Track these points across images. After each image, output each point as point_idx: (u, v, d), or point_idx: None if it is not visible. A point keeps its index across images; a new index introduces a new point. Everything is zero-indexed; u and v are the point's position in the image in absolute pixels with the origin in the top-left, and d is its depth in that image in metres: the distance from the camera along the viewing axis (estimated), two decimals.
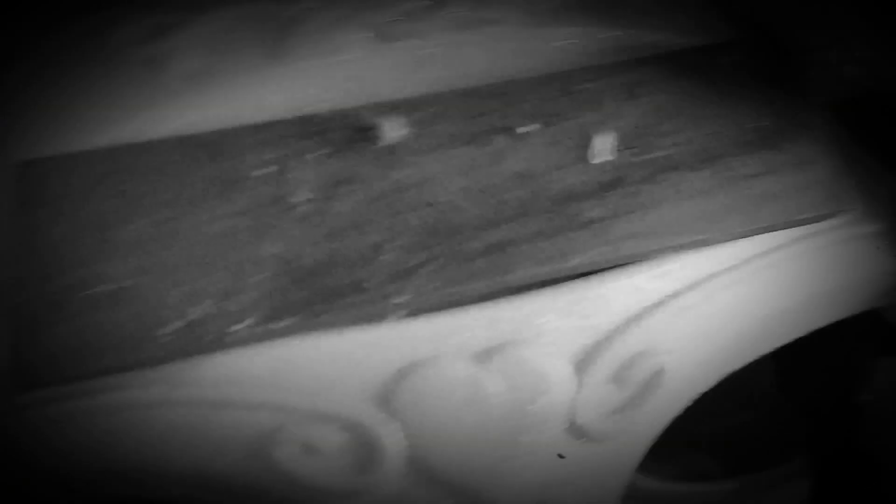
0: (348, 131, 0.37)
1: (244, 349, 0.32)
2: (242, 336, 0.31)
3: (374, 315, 0.33)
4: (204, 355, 0.31)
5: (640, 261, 0.35)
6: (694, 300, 0.35)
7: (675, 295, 0.35)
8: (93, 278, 0.32)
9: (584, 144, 0.37)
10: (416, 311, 0.33)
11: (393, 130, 0.36)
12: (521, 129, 0.37)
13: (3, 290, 0.32)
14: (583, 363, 0.33)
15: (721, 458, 0.51)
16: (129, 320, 0.31)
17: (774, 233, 0.36)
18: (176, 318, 0.31)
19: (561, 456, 0.33)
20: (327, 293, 0.33)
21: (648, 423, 0.35)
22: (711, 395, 0.38)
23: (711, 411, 0.41)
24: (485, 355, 0.33)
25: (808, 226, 0.37)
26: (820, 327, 0.39)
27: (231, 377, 0.32)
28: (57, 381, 0.30)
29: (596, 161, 0.37)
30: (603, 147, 0.37)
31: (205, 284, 0.32)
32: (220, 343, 0.31)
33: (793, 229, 0.37)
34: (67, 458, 0.31)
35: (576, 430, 0.33)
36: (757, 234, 0.36)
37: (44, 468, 0.31)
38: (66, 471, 0.31)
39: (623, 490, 0.36)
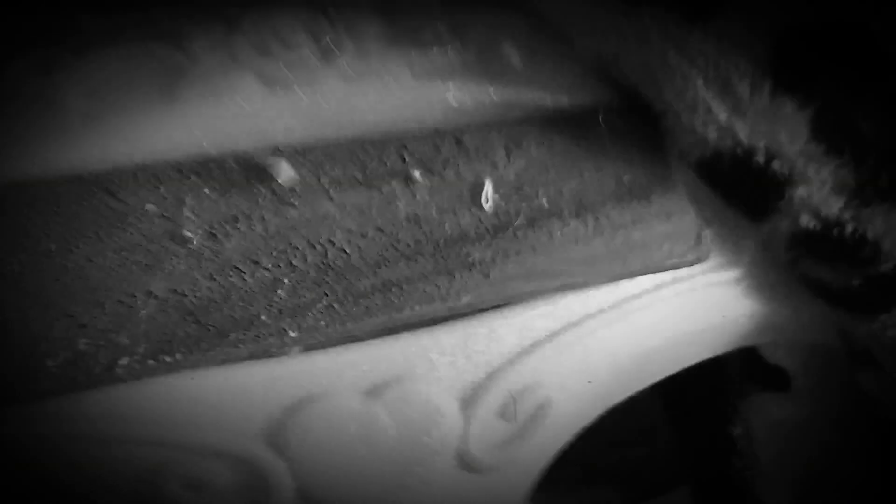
0: (243, 171, 0.39)
1: (133, 383, 0.32)
2: (132, 369, 0.32)
3: (266, 350, 0.34)
4: (92, 388, 0.31)
5: (523, 301, 0.38)
6: (573, 338, 0.39)
7: (556, 333, 0.39)
8: None
9: (471, 191, 0.41)
10: (309, 346, 0.35)
11: (286, 172, 0.39)
12: (413, 176, 0.40)
13: None
14: (470, 398, 0.36)
15: (618, 488, 0.55)
16: (14, 351, 0.31)
17: (644, 276, 0.41)
18: (64, 350, 0.32)
19: None
20: (219, 327, 0.34)
21: (536, 454, 0.38)
22: (610, 427, 0.41)
23: (610, 443, 0.45)
24: (376, 391, 0.35)
25: (675, 271, 0.41)
26: (692, 364, 0.43)
27: (119, 412, 0.32)
28: None
29: (482, 207, 0.40)
30: (489, 194, 0.40)
31: (94, 317, 0.33)
32: (110, 376, 0.32)
33: (661, 274, 0.41)
34: None
35: (465, 464, 0.36)
36: (628, 278, 0.40)
37: None
38: None
39: None
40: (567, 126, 0.44)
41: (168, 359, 0.33)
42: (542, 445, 0.38)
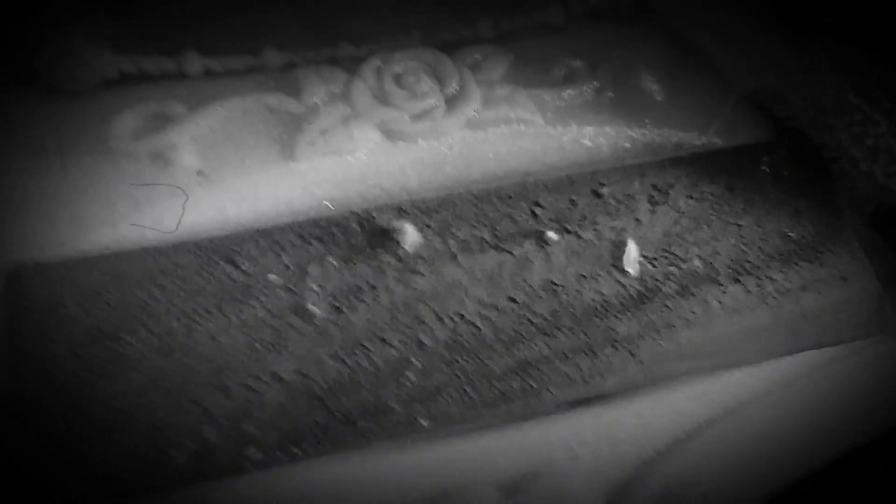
0: (365, 235, 0.39)
1: (260, 473, 0.33)
2: (259, 460, 0.33)
3: (397, 439, 0.35)
4: (218, 480, 0.33)
5: (675, 382, 0.37)
6: (732, 425, 0.38)
7: (713, 420, 0.38)
8: (99, 397, 0.34)
9: (612, 253, 0.40)
10: (441, 434, 0.35)
11: (411, 235, 0.39)
12: (547, 236, 0.40)
13: (3, 410, 0.33)
14: (619, 496, 0.35)
15: None
16: (140, 442, 0.33)
17: (813, 352, 0.39)
18: (190, 441, 0.33)
19: None
20: (347, 415, 0.35)
21: None
22: None
23: None
24: (514, 487, 0.35)
25: (851, 344, 0.39)
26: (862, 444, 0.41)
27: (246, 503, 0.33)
28: None
29: (626, 271, 0.39)
30: (632, 257, 0.40)
31: (219, 402, 0.34)
32: (237, 467, 0.33)
33: (834, 348, 0.39)
34: None
35: None
36: (794, 354, 0.38)
37: None
38: None
39: None
40: (720, 171, 0.43)
41: (296, 449, 0.34)
42: None
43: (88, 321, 0.36)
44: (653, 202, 0.42)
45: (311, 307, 0.37)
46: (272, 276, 0.38)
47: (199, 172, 0.40)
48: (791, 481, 0.40)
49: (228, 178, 0.40)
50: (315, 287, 0.38)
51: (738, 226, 0.42)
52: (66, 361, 0.35)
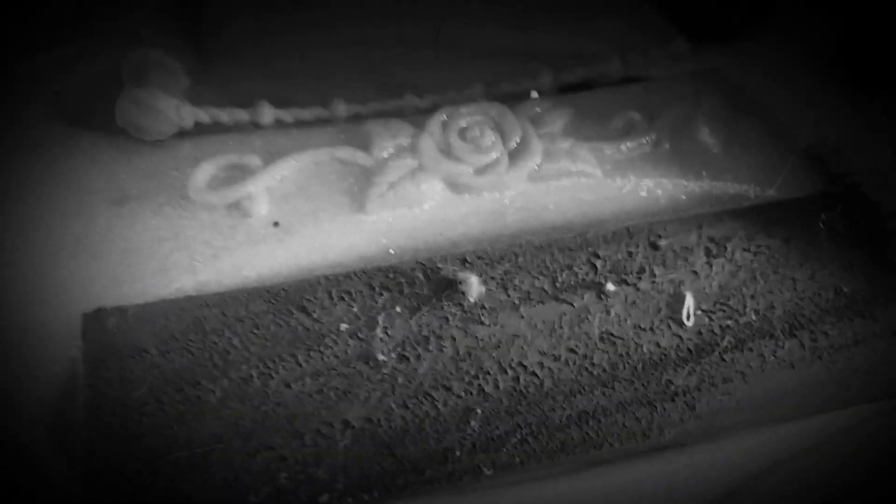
0: (431, 285, 0.41)
1: None
2: (332, 502, 0.35)
3: (461, 488, 0.36)
4: None
5: (731, 435, 0.39)
6: (780, 477, 0.39)
7: (763, 471, 0.39)
8: (178, 441, 0.36)
9: (670, 304, 0.41)
10: (502, 483, 0.37)
11: (475, 285, 0.41)
12: (607, 287, 0.41)
13: (85, 452, 0.36)
14: None
15: None
16: (219, 487, 0.35)
17: (867, 406, 0.40)
18: (265, 485, 0.35)
19: None
20: (414, 462, 0.37)
21: None
22: None
23: None
24: None
25: None
26: None
27: None
28: None
29: (683, 324, 0.41)
30: (690, 309, 0.41)
31: (294, 449, 0.36)
32: None
33: (886, 402, 0.40)
34: None
35: None
36: (849, 407, 0.39)
37: None
38: None
39: None
40: (776, 224, 0.44)
41: (366, 496, 0.36)
42: None
43: (169, 367, 0.38)
44: (710, 255, 0.43)
45: (379, 356, 0.39)
46: (343, 325, 0.40)
47: (275, 223, 0.42)
48: None
49: (302, 228, 0.43)
50: (383, 336, 0.40)
51: (794, 280, 0.43)
52: (146, 406, 0.37)
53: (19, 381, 0.39)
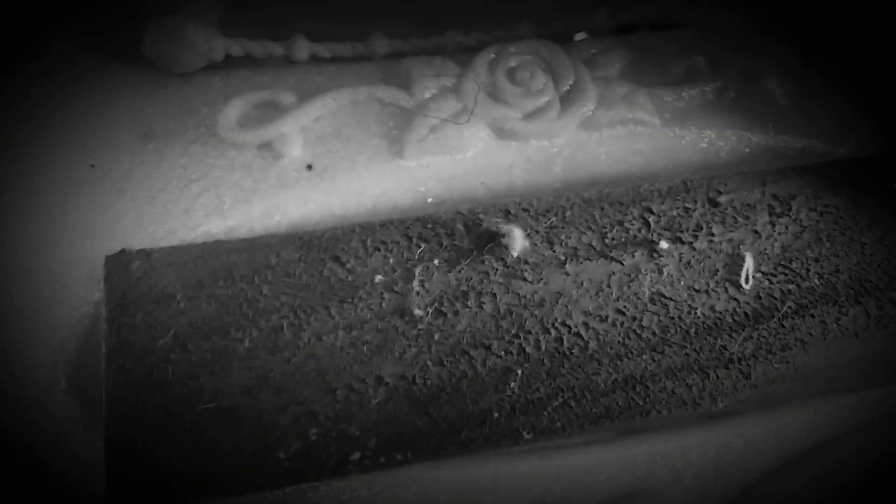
0: (472, 237, 0.39)
1: (361, 478, 0.34)
2: (363, 464, 0.34)
3: (499, 451, 0.35)
4: (323, 481, 0.34)
5: (787, 406, 0.37)
6: (840, 453, 0.37)
7: (818, 444, 0.37)
8: (205, 392, 0.35)
9: (728, 266, 0.39)
10: (544, 448, 0.35)
11: (519, 239, 0.39)
12: (660, 245, 0.39)
13: (109, 399, 0.34)
14: None
15: None
16: (247, 440, 0.34)
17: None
18: (295, 441, 0.34)
19: None
20: (450, 423, 0.35)
21: None
22: None
23: None
24: None
25: None
26: None
27: None
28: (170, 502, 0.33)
29: (742, 287, 0.38)
30: (749, 272, 0.39)
31: (325, 404, 0.35)
32: (342, 470, 0.34)
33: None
34: None
35: None
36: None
37: None
38: None
39: None
40: (846, 185, 0.41)
41: (399, 456, 0.34)
42: None
43: (196, 314, 0.37)
44: (773, 213, 0.41)
45: (416, 310, 0.37)
46: (378, 277, 0.38)
47: (308, 166, 0.40)
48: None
49: (336, 172, 0.40)
50: (420, 289, 0.38)
51: (861, 243, 0.40)
52: (171, 354, 0.36)
53: (40, 323, 0.38)
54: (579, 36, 0.46)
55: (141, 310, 0.37)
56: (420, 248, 0.39)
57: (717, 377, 0.37)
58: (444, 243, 0.39)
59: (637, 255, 0.39)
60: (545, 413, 0.36)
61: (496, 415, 0.36)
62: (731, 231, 0.40)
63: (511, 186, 0.41)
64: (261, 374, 0.36)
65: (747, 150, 0.42)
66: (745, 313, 0.38)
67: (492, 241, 0.39)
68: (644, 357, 0.37)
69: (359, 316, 0.37)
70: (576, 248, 0.39)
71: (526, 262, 0.39)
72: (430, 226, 0.39)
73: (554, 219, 0.40)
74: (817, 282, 0.39)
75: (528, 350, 0.37)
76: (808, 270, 0.39)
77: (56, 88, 0.43)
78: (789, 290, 0.39)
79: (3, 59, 0.44)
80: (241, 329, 0.37)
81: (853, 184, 0.41)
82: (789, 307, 0.38)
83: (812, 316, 0.38)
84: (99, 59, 0.45)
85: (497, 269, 0.39)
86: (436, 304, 0.38)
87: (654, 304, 0.38)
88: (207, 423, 0.35)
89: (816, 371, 0.37)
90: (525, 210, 0.40)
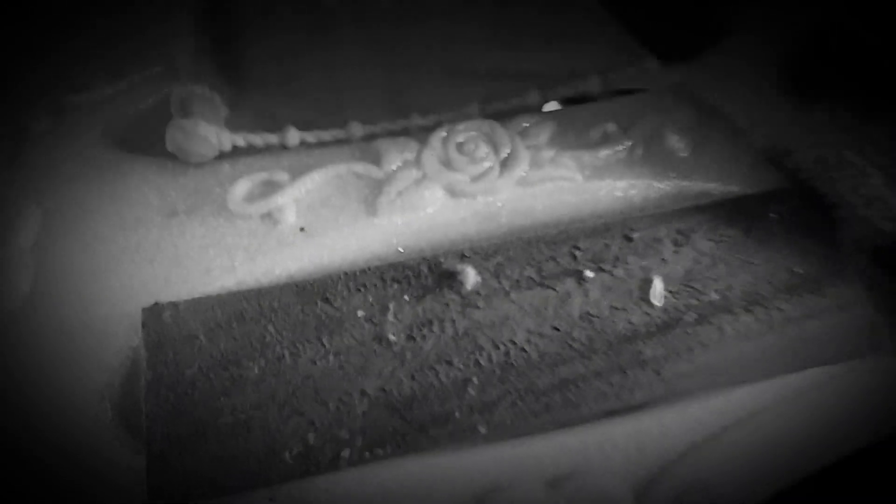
0: (434, 277, 0.48)
1: (351, 470, 0.42)
2: (351, 459, 0.42)
3: (460, 443, 0.43)
4: (319, 476, 0.42)
5: (694, 396, 0.45)
6: (743, 433, 0.45)
7: (726, 428, 0.45)
8: (224, 410, 0.43)
9: (641, 288, 0.48)
10: (496, 439, 0.43)
11: (471, 276, 0.48)
12: (586, 274, 0.48)
13: (148, 422, 0.43)
14: (644, 490, 0.43)
15: None
16: (258, 445, 0.42)
17: (815, 369, 0.46)
18: (296, 444, 0.42)
19: None
20: (420, 424, 0.43)
21: None
22: None
23: None
24: (557, 482, 0.43)
25: (848, 363, 0.46)
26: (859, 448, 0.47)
27: (341, 495, 0.42)
28: (200, 497, 0.41)
29: (652, 303, 0.47)
30: (658, 291, 0.47)
31: (320, 414, 0.43)
32: (334, 465, 0.42)
33: (834, 366, 0.46)
34: None
35: None
36: (798, 371, 0.45)
37: None
38: None
39: None
40: (736, 216, 0.50)
41: (380, 451, 0.43)
42: None
43: (215, 350, 0.45)
44: (676, 244, 0.49)
45: (391, 336, 0.46)
46: (360, 312, 0.47)
47: (301, 229, 0.50)
48: (796, 481, 0.46)
49: (324, 232, 0.50)
50: (394, 320, 0.46)
51: (752, 263, 0.49)
52: (197, 382, 0.44)
53: (89, 367, 0.46)
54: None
55: (172, 349, 0.45)
56: (393, 287, 0.48)
57: (635, 375, 0.45)
58: (412, 282, 0.48)
59: (568, 282, 0.48)
60: (497, 411, 0.44)
61: (457, 415, 0.44)
62: (643, 260, 0.49)
63: (465, 235, 0.50)
64: (268, 393, 0.44)
65: (655, 195, 0.51)
66: (656, 324, 0.47)
67: (450, 278, 0.48)
68: (575, 363, 0.46)
69: (345, 343, 0.46)
70: (518, 280, 0.48)
71: (478, 294, 0.48)
72: (400, 269, 0.48)
73: (500, 258, 0.49)
74: (715, 296, 0.48)
75: (482, 363, 0.45)
76: (707, 287, 0.48)
77: (91, 179, 0.53)
78: (692, 304, 0.47)
79: (50, 152, 0.55)
80: (252, 359, 0.45)
81: (743, 216, 0.50)
82: (692, 317, 0.47)
83: (711, 323, 0.47)
84: (126, 153, 0.55)
85: (455, 300, 0.47)
86: (407, 331, 0.46)
87: (583, 321, 0.47)
88: (226, 434, 0.43)
89: (716, 367, 0.46)
90: (476, 253, 0.49)
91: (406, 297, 0.47)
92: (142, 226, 0.51)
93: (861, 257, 0.49)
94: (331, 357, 0.45)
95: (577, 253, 0.49)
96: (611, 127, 0.53)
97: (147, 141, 0.55)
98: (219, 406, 0.44)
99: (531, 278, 0.48)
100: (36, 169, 0.54)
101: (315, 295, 0.47)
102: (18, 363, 0.47)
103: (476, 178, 0.51)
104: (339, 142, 0.54)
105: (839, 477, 0.46)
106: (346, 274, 0.48)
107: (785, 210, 0.50)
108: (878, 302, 0.48)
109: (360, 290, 0.48)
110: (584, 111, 0.54)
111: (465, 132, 0.52)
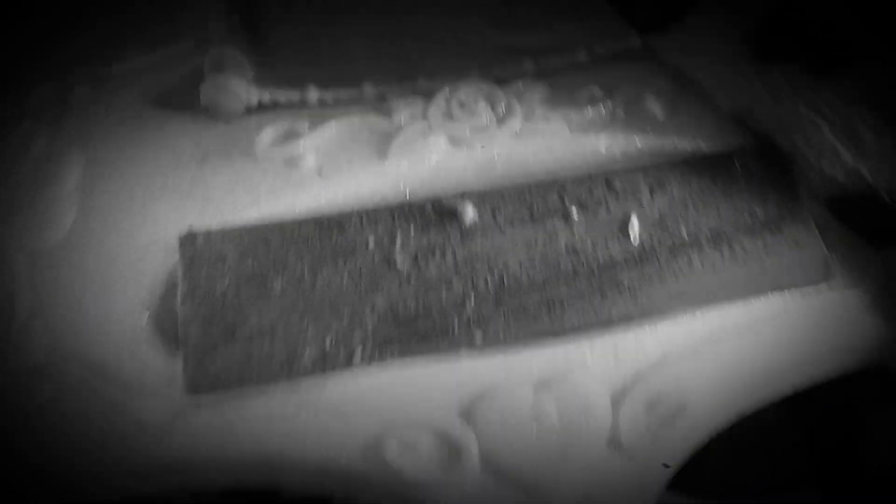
0: (437, 213, 0.54)
1: (363, 369, 0.48)
2: (363, 358, 0.48)
3: (458, 349, 0.49)
4: (336, 371, 0.48)
5: (665, 317, 0.51)
6: (709, 352, 0.51)
7: (695, 345, 0.50)
8: (251, 318, 0.49)
9: (620, 226, 0.54)
10: (491, 347, 0.49)
11: (470, 212, 0.54)
12: (571, 214, 0.54)
13: (185, 325, 0.49)
14: (619, 393, 0.49)
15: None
16: (279, 346, 0.48)
17: (776, 296, 0.52)
18: (315, 346, 0.48)
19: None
20: (423, 334, 0.49)
21: (674, 446, 0.49)
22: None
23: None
24: (543, 384, 0.49)
25: (805, 291, 0.52)
26: (821, 381, 0.53)
27: (353, 392, 0.48)
28: (229, 387, 0.47)
29: (630, 239, 0.53)
30: (636, 228, 0.53)
31: (334, 322, 0.49)
32: (348, 363, 0.48)
33: (792, 295, 0.52)
34: (226, 449, 0.47)
35: (614, 446, 0.48)
36: (758, 296, 0.51)
37: (213, 457, 0.47)
38: (224, 459, 0.47)
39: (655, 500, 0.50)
40: (705, 168, 0.57)
41: (388, 354, 0.49)
42: (679, 438, 0.49)
43: (243, 269, 0.51)
44: (652, 191, 0.56)
45: (398, 262, 0.52)
46: (370, 241, 0.53)
47: (319, 171, 0.56)
48: (759, 404, 0.52)
49: (339, 175, 0.56)
50: (400, 248, 0.52)
51: (718, 208, 0.55)
52: (229, 293, 0.50)
53: (130, 286, 0.52)
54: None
55: (205, 267, 0.51)
56: (400, 221, 0.54)
57: (613, 297, 0.51)
58: (417, 218, 0.54)
59: (555, 220, 0.54)
60: (491, 325, 0.50)
61: (456, 327, 0.50)
62: (623, 203, 0.55)
63: (465, 181, 0.56)
64: (289, 305, 0.50)
65: (634, 150, 0.58)
66: (634, 257, 0.53)
67: (451, 214, 0.54)
68: (561, 286, 0.52)
69: (357, 266, 0.52)
70: (511, 218, 0.54)
71: (476, 229, 0.54)
72: (406, 207, 0.54)
73: (496, 200, 0.55)
74: (685, 235, 0.54)
75: (478, 285, 0.51)
76: (678, 227, 0.54)
77: (135, 132, 0.59)
78: (665, 240, 0.54)
79: (91, 110, 0.61)
80: (275, 277, 0.51)
81: (711, 167, 0.57)
82: (665, 251, 0.53)
83: (681, 256, 0.53)
84: (166, 109, 0.61)
85: (455, 233, 0.53)
86: (412, 258, 0.52)
87: (568, 253, 0.53)
88: (253, 337, 0.49)
89: (686, 293, 0.52)
90: (472, 195, 0.55)
91: (412, 230, 0.53)
92: (177, 169, 0.57)
93: (814, 203, 0.55)
94: (345, 277, 0.51)
95: (564, 196, 0.55)
96: (596, 90, 0.60)
97: (182, 101, 0.61)
98: (246, 314, 0.50)
99: (523, 217, 0.54)
100: (79, 124, 0.61)
101: (332, 227, 0.53)
102: (68, 283, 0.52)
103: (476, 130, 0.57)
104: (353, 99, 0.60)
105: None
106: (359, 211, 0.54)
107: (748, 162, 0.57)
108: (830, 243, 0.54)
109: (371, 224, 0.54)
110: (572, 77, 0.61)
111: (466, 91, 0.59)
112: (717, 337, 0.52)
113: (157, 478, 0.48)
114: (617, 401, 0.49)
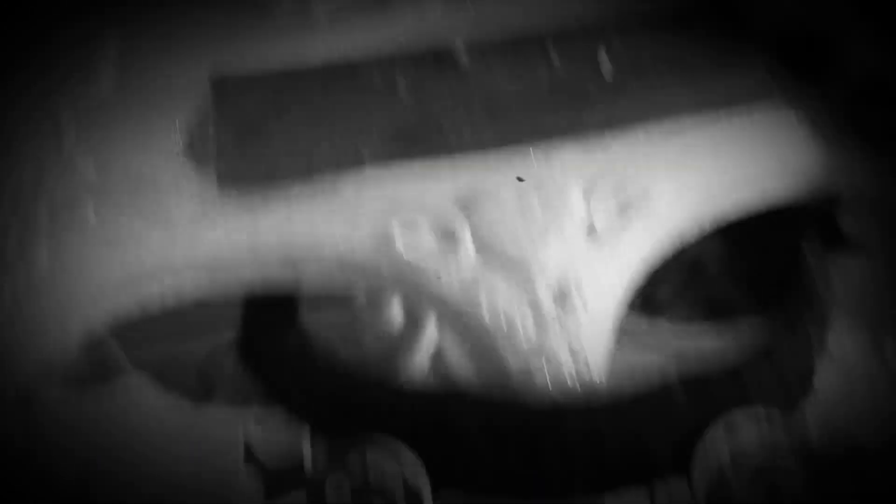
0: (433, 59, 0.63)
1: (372, 170, 0.56)
2: (370, 155, 0.56)
3: (454, 153, 0.57)
4: (347, 171, 0.55)
5: (628, 126, 0.59)
6: (669, 157, 0.58)
7: (654, 152, 0.58)
8: (273, 132, 0.58)
9: (597, 69, 0.62)
10: (482, 151, 0.57)
11: (463, 55, 0.62)
12: (553, 60, 0.63)
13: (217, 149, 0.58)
14: (590, 186, 0.56)
15: None
16: (299, 148, 0.57)
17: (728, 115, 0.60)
18: (328, 150, 0.57)
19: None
20: (423, 137, 0.57)
21: (642, 238, 0.57)
22: None
23: None
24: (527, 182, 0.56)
25: (754, 110, 0.60)
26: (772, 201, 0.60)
27: (363, 189, 0.56)
28: (255, 181, 0.56)
29: (604, 70, 0.61)
30: (607, 67, 0.62)
31: (345, 133, 0.58)
32: (358, 161, 0.56)
33: (741, 117, 0.60)
34: (252, 245, 0.55)
35: (589, 231, 0.55)
36: (711, 110, 0.59)
37: (240, 254, 0.54)
38: (250, 257, 0.55)
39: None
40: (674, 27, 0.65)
41: (391, 149, 0.57)
42: (646, 228, 0.56)
43: (266, 98, 0.60)
44: (629, 35, 0.64)
45: (401, 92, 0.61)
46: (377, 78, 0.61)
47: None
48: (719, 216, 0.59)
49: (350, 21, 0.65)
50: (404, 81, 0.61)
51: (682, 54, 0.64)
52: (252, 114, 0.59)
53: (170, 111, 0.61)
54: None
55: (233, 96, 0.60)
56: (402, 62, 0.63)
57: (586, 115, 0.59)
58: (416, 62, 0.63)
59: (540, 65, 0.63)
60: (483, 136, 0.58)
61: (451, 135, 0.58)
62: (601, 43, 0.64)
63: (457, 27, 0.65)
64: (305, 120, 0.59)
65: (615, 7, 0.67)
66: (605, 87, 0.61)
67: (446, 56, 0.63)
68: (546, 114, 0.60)
69: (366, 96, 0.61)
70: (502, 64, 0.63)
71: (467, 66, 0.62)
72: (407, 54, 0.63)
73: (487, 49, 0.64)
74: (652, 72, 0.62)
75: (474, 109, 0.60)
76: (647, 67, 0.63)
77: None
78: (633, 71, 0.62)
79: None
80: (294, 103, 0.60)
81: (677, 26, 0.65)
82: (632, 78, 0.62)
83: (648, 87, 0.61)
84: None
85: (452, 71, 0.62)
86: (414, 88, 0.61)
87: (552, 90, 0.61)
88: (276, 144, 0.57)
89: (647, 109, 0.60)
90: (465, 40, 0.64)
91: (413, 67, 0.62)
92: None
93: (766, 48, 0.64)
94: (354, 99, 0.60)
95: (549, 44, 0.64)
96: None
97: None
98: (269, 129, 0.58)
99: (513, 63, 0.63)
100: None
101: (343, 71, 0.62)
102: (110, 128, 0.61)
103: None
104: None
105: None
106: (363, 56, 0.63)
107: (710, 15, 0.65)
108: (780, 86, 0.62)
109: (377, 66, 0.62)
110: None
111: None
112: (679, 148, 0.59)
113: (190, 275, 0.55)
114: (588, 193, 0.56)
